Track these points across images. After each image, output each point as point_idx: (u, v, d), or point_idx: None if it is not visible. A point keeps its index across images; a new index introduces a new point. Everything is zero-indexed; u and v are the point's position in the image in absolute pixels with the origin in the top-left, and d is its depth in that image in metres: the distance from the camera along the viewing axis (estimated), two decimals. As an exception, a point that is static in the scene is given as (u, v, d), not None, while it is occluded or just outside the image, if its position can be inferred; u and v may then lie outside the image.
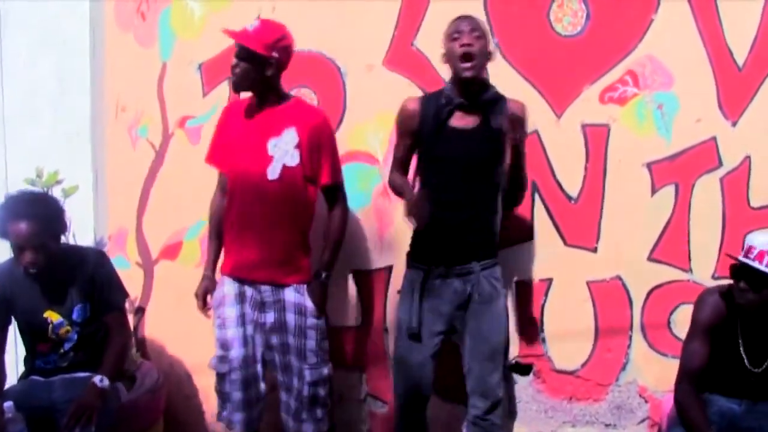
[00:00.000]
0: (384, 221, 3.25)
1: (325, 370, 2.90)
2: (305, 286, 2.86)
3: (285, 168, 2.77)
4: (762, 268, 2.35)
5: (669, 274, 2.97)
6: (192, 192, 3.27)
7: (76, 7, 3.78)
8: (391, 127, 2.98)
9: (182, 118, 3.61)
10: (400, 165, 2.86)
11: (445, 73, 2.89)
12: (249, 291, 2.87)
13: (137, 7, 3.70)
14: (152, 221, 3.73)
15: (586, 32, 3.03)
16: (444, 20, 2.74)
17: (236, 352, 2.85)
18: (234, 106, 2.97)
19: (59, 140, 3.82)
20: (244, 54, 2.74)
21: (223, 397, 2.91)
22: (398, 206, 2.96)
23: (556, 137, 3.07)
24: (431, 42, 3.01)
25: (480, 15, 3.06)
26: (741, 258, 2.43)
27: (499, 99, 2.72)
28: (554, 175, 3.09)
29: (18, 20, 3.98)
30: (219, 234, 2.97)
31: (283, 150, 2.77)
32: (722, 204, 2.91)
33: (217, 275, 3.04)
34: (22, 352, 3.06)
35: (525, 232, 3.10)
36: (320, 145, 2.82)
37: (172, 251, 3.67)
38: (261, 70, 2.75)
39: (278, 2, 3.37)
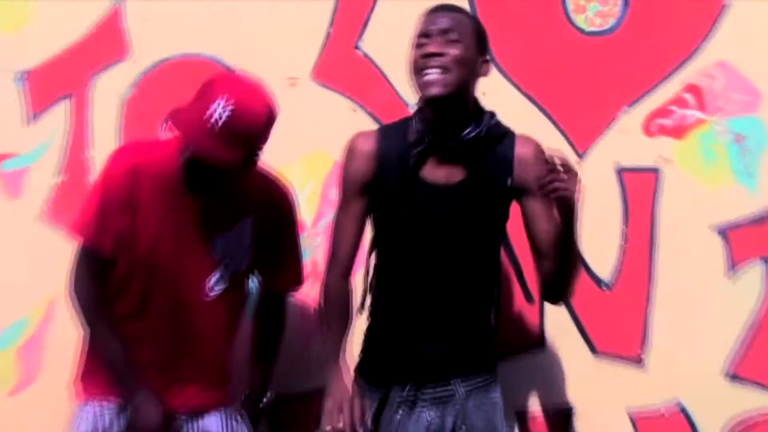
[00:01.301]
0: (314, 322, 2.62)
1: None
2: (231, 408, 2.52)
3: (233, 275, 2.47)
4: None
5: (757, 399, 2.59)
6: (8, 273, 2.67)
7: None
8: (326, 174, 2.67)
9: (-5, 156, 3.24)
10: (345, 260, 2.31)
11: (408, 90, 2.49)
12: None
13: None
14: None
15: (623, 26, 2.64)
16: (405, 11, 2.38)
17: None
18: (146, 167, 2.40)
19: None
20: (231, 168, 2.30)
21: None
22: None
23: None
24: (384, 42, 2.65)
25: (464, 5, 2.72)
26: None
27: (499, 135, 2.19)
28: (575, 247, 2.72)
29: None
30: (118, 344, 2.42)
31: (235, 249, 2.46)
32: (839, 289, 2.62)
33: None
34: None
35: (532, 336, 2.69)
36: (284, 239, 2.52)
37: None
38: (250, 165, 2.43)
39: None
